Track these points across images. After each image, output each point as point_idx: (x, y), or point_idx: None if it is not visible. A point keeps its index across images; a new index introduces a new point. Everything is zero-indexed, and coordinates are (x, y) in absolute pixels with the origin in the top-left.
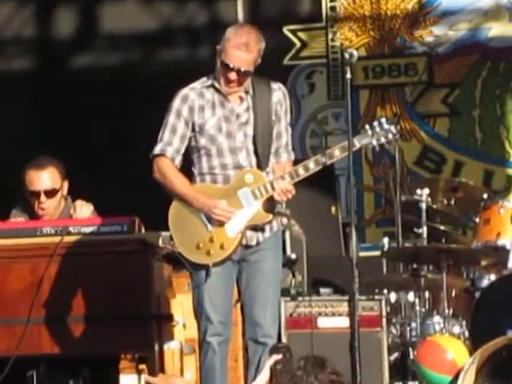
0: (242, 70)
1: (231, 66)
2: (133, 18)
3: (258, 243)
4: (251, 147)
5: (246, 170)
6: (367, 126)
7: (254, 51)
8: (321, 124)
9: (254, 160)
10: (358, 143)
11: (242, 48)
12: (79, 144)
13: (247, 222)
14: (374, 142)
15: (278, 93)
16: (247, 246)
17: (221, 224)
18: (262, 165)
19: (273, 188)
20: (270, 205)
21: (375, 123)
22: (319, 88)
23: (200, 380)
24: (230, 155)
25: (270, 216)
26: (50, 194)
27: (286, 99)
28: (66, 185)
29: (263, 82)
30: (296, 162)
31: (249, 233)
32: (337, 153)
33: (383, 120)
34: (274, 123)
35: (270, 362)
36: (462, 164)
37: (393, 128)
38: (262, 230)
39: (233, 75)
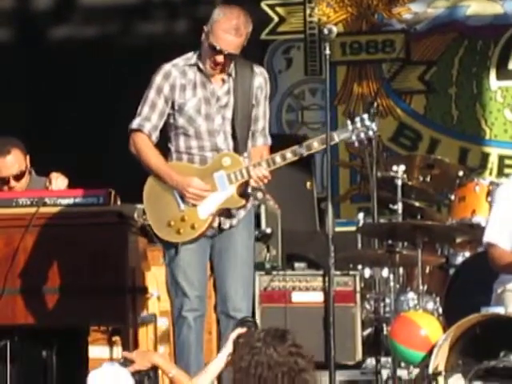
0: (230, 53)
1: (220, 48)
2: None
3: (231, 227)
4: (229, 130)
5: (225, 153)
6: (348, 121)
7: (243, 35)
8: (297, 99)
9: (231, 143)
10: (337, 137)
11: (231, 32)
12: (55, 116)
13: (220, 205)
14: (354, 138)
15: (260, 78)
16: (220, 229)
17: (193, 204)
18: (239, 148)
19: (249, 174)
20: (245, 190)
21: (357, 119)
22: (296, 63)
23: (174, 355)
24: (208, 137)
25: (243, 201)
26: (19, 177)
27: (266, 84)
28: (28, 159)
29: (246, 64)
30: (272, 137)
31: (222, 218)
32: (315, 145)
33: (365, 116)
34: (253, 107)
35: (233, 335)
36: (438, 141)
37: (374, 125)
38: (236, 213)
39: (220, 58)
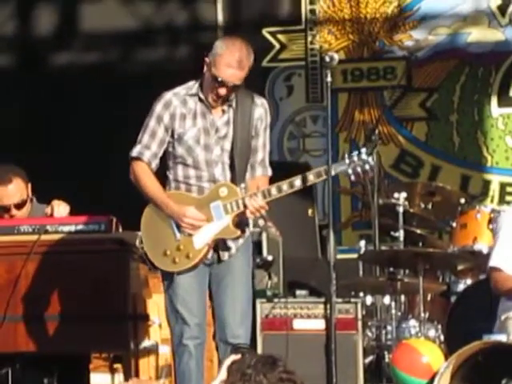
0: (232, 84)
1: (223, 81)
2: (112, 17)
3: (230, 257)
4: (227, 161)
5: (222, 183)
6: (346, 155)
7: (246, 67)
8: (299, 126)
9: (229, 175)
10: (333, 171)
11: (234, 65)
12: (55, 143)
13: (215, 235)
14: (350, 171)
15: (260, 109)
16: (220, 261)
17: (189, 234)
18: (237, 179)
19: (244, 205)
20: (241, 221)
21: (354, 153)
22: (297, 90)
23: (175, 383)
24: (206, 168)
25: (238, 232)
26: (20, 205)
27: (267, 116)
28: (29, 187)
29: (247, 95)
30: (273, 164)
31: (220, 252)
32: (311, 178)
33: (363, 150)
34: (252, 138)
35: (227, 361)
36: (439, 168)
37: (370, 159)
38: (234, 242)
39: (223, 91)
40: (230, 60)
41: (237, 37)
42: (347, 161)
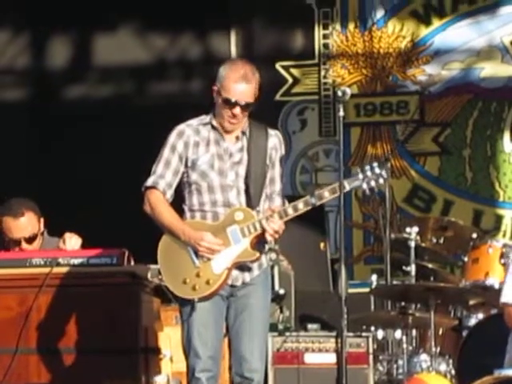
0: (245, 103)
1: (234, 100)
2: (126, 50)
3: (243, 283)
4: (242, 186)
5: (237, 207)
6: (358, 169)
7: (253, 81)
8: (311, 160)
9: (244, 199)
10: (348, 186)
11: (241, 81)
12: (68, 176)
13: (234, 259)
14: (365, 186)
15: (275, 138)
16: (233, 286)
17: (208, 259)
18: (252, 204)
19: (262, 226)
20: (259, 243)
21: (367, 167)
22: (311, 124)
23: None
24: (220, 192)
25: (257, 254)
26: (31, 239)
27: (281, 146)
28: (42, 222)
29: (261, 126)
30: (286, 198)
31: (235, 273)
32: (326, 194)
33: (375, 164)
34: (268, 167)
35: None
36: (452, 203)
37: (384, 173)
38: (249, 269)
39: (237, 110)
40: (236, 76)
41: (238, 58)
42: (361, 176)
